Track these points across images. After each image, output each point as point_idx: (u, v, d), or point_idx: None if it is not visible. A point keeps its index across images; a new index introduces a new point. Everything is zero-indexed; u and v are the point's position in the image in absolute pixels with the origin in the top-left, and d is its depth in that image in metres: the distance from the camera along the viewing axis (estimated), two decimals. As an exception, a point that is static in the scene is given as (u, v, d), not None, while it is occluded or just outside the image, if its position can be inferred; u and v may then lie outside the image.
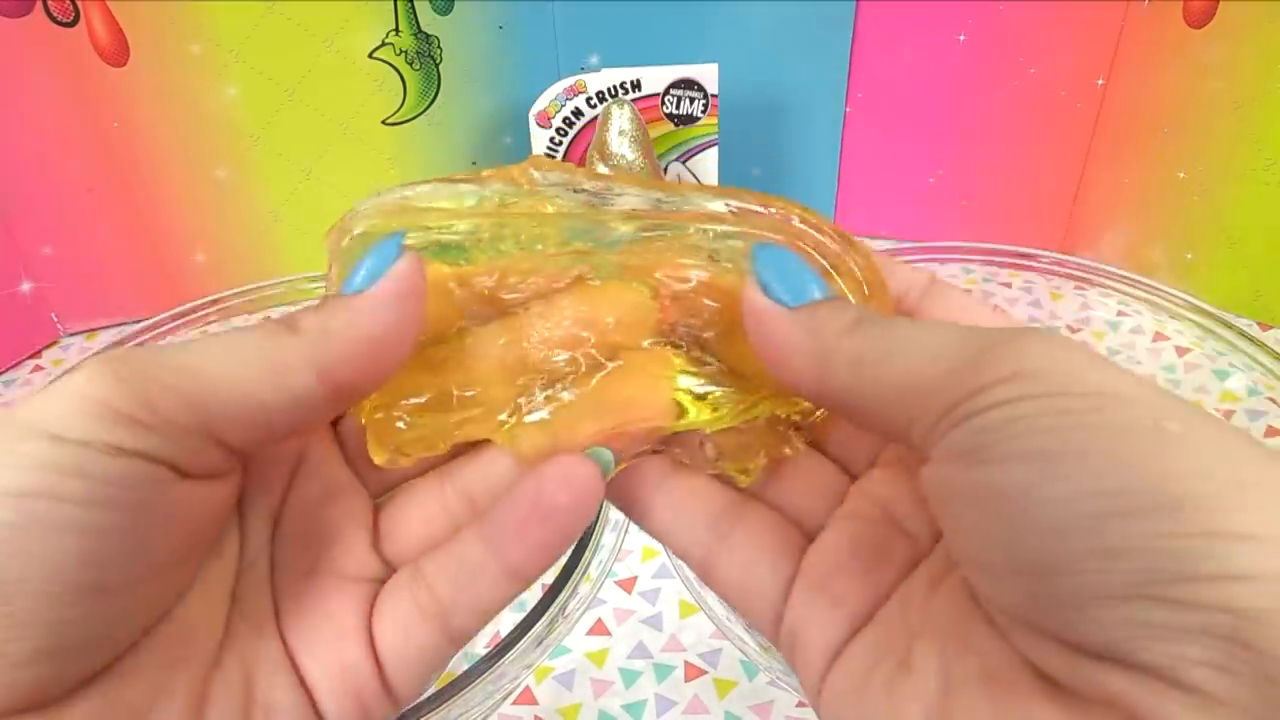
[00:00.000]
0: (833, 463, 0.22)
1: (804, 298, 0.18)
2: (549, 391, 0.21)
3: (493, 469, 0.21)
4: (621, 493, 0.21)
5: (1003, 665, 0.15)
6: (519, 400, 0.21)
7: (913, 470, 0.20)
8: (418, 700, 0.28)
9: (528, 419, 0.21)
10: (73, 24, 0.51)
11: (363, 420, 0.21)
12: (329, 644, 0.19)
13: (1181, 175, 0.58)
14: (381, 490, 0.22)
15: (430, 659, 0.19)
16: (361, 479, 0.21)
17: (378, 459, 0.21)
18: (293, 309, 0.21)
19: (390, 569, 0.20)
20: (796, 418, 0.21)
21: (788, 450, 0.21)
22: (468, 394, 0.20)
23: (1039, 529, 0.13)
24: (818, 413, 0.21)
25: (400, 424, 0.20)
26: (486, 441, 0.21)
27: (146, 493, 0.15)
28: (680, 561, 0.33)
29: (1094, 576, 0.13)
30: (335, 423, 0.22)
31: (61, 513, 0.14)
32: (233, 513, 0.19)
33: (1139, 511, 0.13)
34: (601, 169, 0.51)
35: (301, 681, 0.19)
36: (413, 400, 0.20)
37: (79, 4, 0.51)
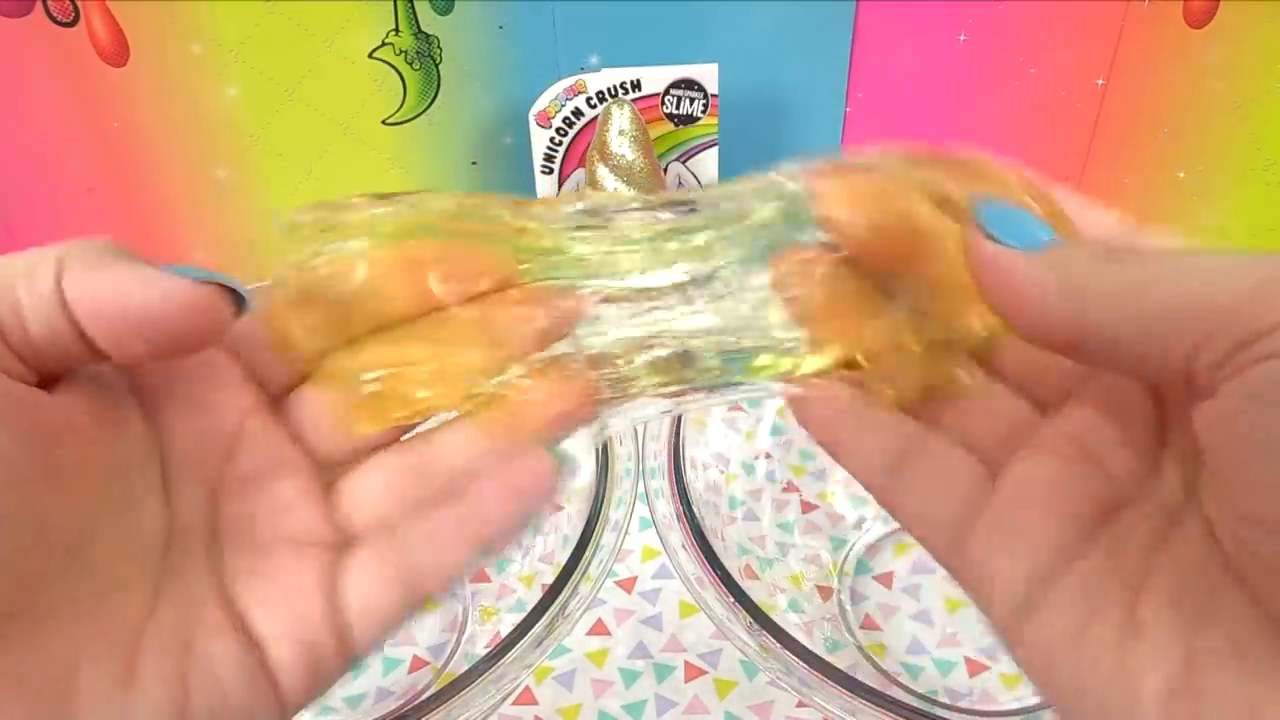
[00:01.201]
0: (1017, 395, 0.21)
1: (1035, 244, 0.18)
2: (512, 370, 0.21)
3: (449, 444, 0.21)
4: (817, 423, 0.21)
5: (1255, 635, 0.15)
6: (482, 377, 0.21)
7: (1120, 409, 0.19)
8: (419, 699, 0.28)
9: (485, 392, 0.21)
10: (73, 24, 0.51)
11: (322, 388, 0.21)
12: (282, 599, 0.19)
13: (1181, 175, 0.58)
14: (332, 465, 0.22)
15: (391, 617, 0.20)
16: (311, 455, 0.22)
17: (340, 429, 0.21)
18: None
19: (344, 536, 0.21)
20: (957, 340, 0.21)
21: (962, 376, 0.21)
22: (430, 368, 0.21)
23: None
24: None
25: (363, 392, 0.21)
26: (444, 419, 0.22)
27: None
28: (680, 561, 0.33)
29: None
30: (278, 403, 0.22)
31: None
32: (142, 469, 0.19)
33: None
34: (608, 181, 0.51)
35: (249, 635, 0.19)
36: (375, 373, 0.21)
37: (79, 4, 0.51)
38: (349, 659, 0.20)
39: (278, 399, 0.22)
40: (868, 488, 0.21)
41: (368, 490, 0.21)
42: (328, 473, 0.22)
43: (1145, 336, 0.16)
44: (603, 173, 0.51)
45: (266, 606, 0.19)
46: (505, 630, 0.29)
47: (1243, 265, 0.15)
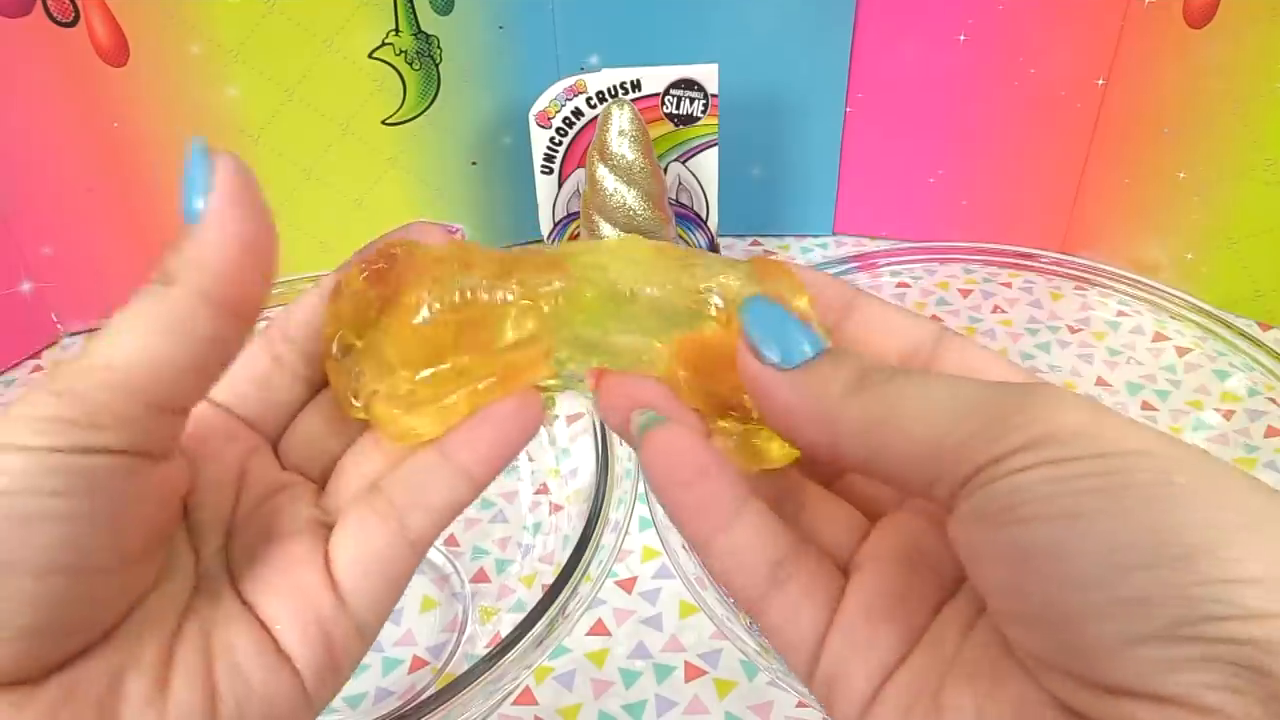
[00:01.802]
0: (850, 505, 0.22)
1: (797, 356, 0.19)
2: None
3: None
4: (687, 524, 0.20)
5: (1032, 704, 0.16)
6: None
7: (930, 512, 0.20)
8: (419, 699, 0.28)
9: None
10: (73, 24, 0.51)
11: (360, 409, 0.21)
12: (282, 576, 0.20)
13: (1181, 175, 0.58)
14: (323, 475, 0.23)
15: (388, 567, 0.20)
16: (304, 472, 0.23)
17: (391, 436, 0.21)
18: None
19: (334, 515, 0.21)
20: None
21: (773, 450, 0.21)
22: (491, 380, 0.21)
23: (1068, 584, 0.15)
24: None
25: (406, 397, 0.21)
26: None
27: (114, 480, 0.17)
28: (680, 561, 0.33)
29: (1120, 624, 0.14)
30: (275, 445, 0.23)
31: (39, 504, 0.16)
32: (182, 519, 0.20)
33: (1157, 563, 0.14)
34: (608, 181, 0.51)
35: (261, 624, 0.19)
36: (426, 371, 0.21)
37: (79, 4, 0.51)
38: (360, 629, 0.20)
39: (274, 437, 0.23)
40: (740, 597, 0.20)
41: (348, 475, 0.22)
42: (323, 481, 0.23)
43: (893, 468, 0.17)
44: (603, 173, 0.51)
45: (270, 590, 0.20)
46: (505, 630, 0.29)
47: (970, 402, 0.16)
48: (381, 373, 0.21)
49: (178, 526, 0.20)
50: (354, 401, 0.21)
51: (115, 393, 0.17)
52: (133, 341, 0.17)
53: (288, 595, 0.20)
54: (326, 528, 0.21)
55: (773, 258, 0.21)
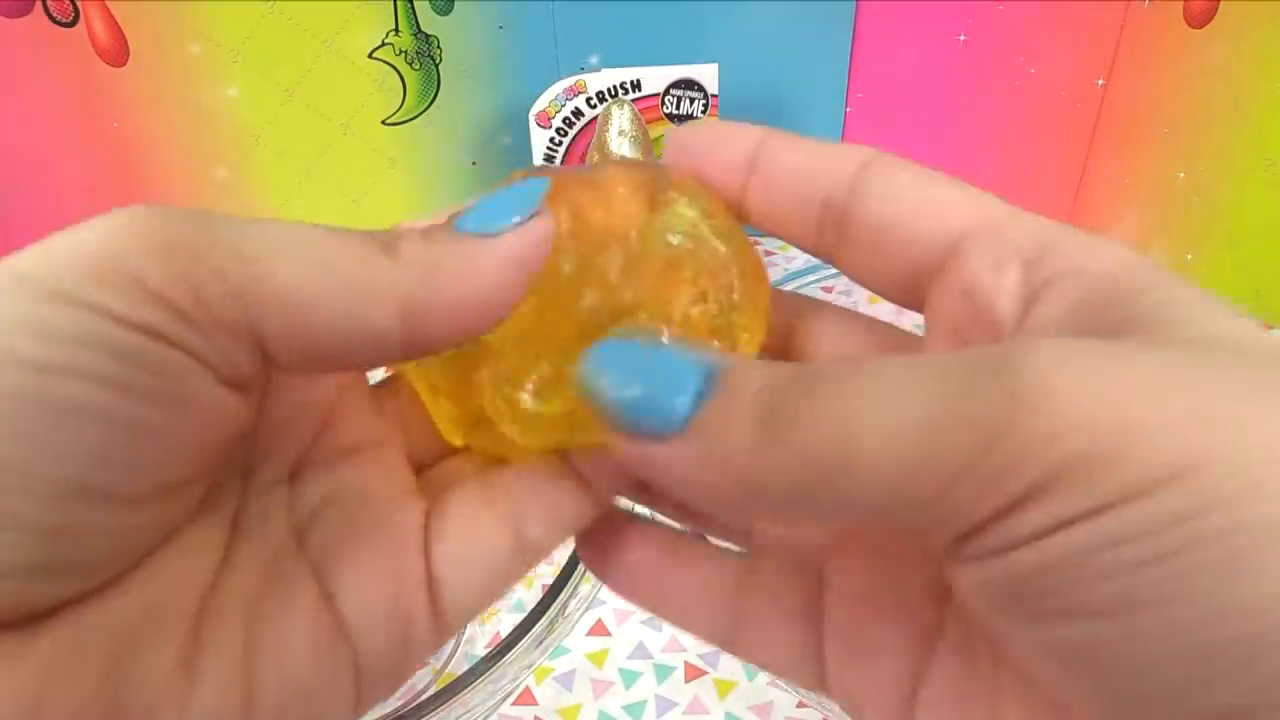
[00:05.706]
0: None
1: (673, 415, 0.13)
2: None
3: None
4: (631, 588, 0.19)
5: None
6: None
7: None
8: (418, 699, 0.28)
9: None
10: (73, 24, 0.51)
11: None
12: (371, 548, 0.16)
13: (1181, 175, 0.58)
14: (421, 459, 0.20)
15: (494, 576, 0.17)
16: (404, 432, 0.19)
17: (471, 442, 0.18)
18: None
19: (437, 496, 0.18)
20: None
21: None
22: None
23: (1143, 698, 0.11)
24: None
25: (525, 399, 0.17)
26: None
27: (179, 388, 0.13)
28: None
29: None
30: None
31: (84, 393, 0.12)
32: (238, 449, 0.16)
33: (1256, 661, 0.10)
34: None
35: (325, 597, 0.16)
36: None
37: (79, 4, 0.51)
38: (438, 634, 0.16)
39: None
40: (711, 642, 0.18)
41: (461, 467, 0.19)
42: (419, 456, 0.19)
43: (834, 526, 0.15)
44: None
45: (351, 559, 0.16)
46: (505, 630, 0.29)
47: (935, 406, 0.12)
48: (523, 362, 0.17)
49: (231, 457, 0.16)
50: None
51: (236, 303, 0.13)
52: (301, 267, 0.13)
53: (374, 573, 0.16)
54: (424, 502, 0.17)
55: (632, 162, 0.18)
